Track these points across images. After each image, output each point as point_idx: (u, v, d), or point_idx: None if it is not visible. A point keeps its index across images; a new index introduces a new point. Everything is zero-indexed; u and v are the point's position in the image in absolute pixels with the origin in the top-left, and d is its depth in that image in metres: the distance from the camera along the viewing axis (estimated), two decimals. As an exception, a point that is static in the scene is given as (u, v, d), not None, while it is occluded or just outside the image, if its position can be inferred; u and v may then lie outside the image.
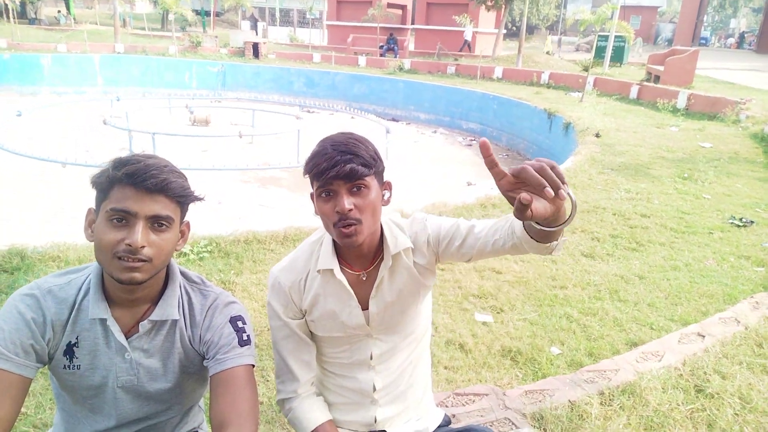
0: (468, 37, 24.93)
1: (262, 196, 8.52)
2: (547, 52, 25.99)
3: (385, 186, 1.36)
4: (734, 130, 10.04)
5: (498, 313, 3.41)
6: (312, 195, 1.34)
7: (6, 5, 23.47)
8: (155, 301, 1.29)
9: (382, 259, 1.40)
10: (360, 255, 1.38)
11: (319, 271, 1.38)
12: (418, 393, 1.58)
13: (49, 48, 19.14)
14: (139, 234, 1.14)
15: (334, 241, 1.38)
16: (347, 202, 1.23)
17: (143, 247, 1.15)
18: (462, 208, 5.24)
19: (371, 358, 1.47)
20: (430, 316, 1.58)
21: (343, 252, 1.39)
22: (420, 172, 10.45)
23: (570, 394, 2.36)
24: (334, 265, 1.37)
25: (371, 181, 1.27)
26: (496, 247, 1.28)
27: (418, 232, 1.40)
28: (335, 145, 1.25)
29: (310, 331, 1.47)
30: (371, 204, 1.27)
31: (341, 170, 1.22)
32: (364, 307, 1.41)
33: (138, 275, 1.16)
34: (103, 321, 1.24)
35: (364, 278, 1.40)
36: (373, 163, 1.27)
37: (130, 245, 1.13)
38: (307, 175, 1.31)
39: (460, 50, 24.24)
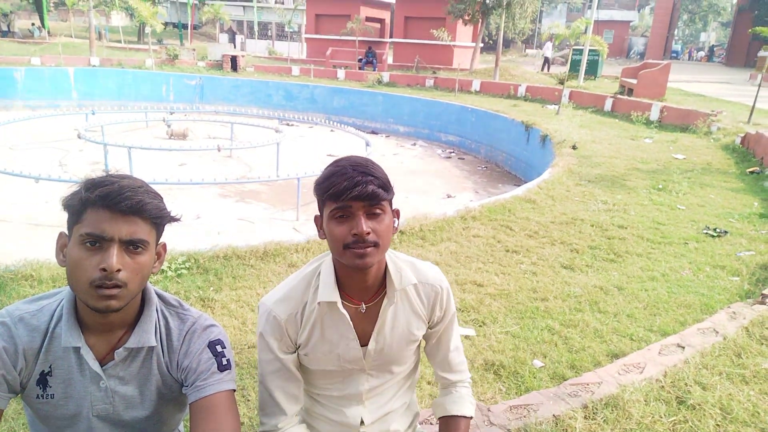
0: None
1: (242, 210, 8.44)
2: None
3: (395, 213, 1.33)
4: (706, 142, 10.28)
5: (480, 326, 3.41)
6: (317, 218, 1.30)
7: (-23, 18, 23.09)
8: (131, 326, 1.25)
9: (385, 294, 1.37)
10: (363, 286, 1.34)
11: (319, 303, 1.33)
12: (404, 425, 1.58)
13: (22, 61, 18.80)
14: (114, 258, 1.11)
15: (335, 271, 1.34)
16: (365, 225, 1.20)
17: (119, 270, 1.12)
18: (443, 221, 5.25)
19: (362, 393, 1.46)
20: (419, 355, 1.59)
21: (344, 283, 1.34)
22: (400, 185, 10.43)
23: (554, 408, 2.35)
24: (337, 297, 1.32)
25: (386, 206, 1.26)
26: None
27: (439, 295, 1.44)
28: (354, 166, 1.22)
29: (301, 364, 1.43)
30: (386, 229, 1.25)
31: (363, 191, 1.18)
32: (362, 342, 1.38)
33: (114, 302, 1.13)
34: (77, 349, 1.20)
35: (363, 311, 1.37)
36: (390, 188, 1.25)
37: (105, 270, 1.10)
38: (317, 196, 1.27)
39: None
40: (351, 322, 1.35)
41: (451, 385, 1.54)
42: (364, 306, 1.36)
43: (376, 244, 1.22)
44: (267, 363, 1.37)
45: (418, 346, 1.54)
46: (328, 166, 1.27)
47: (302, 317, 1.35)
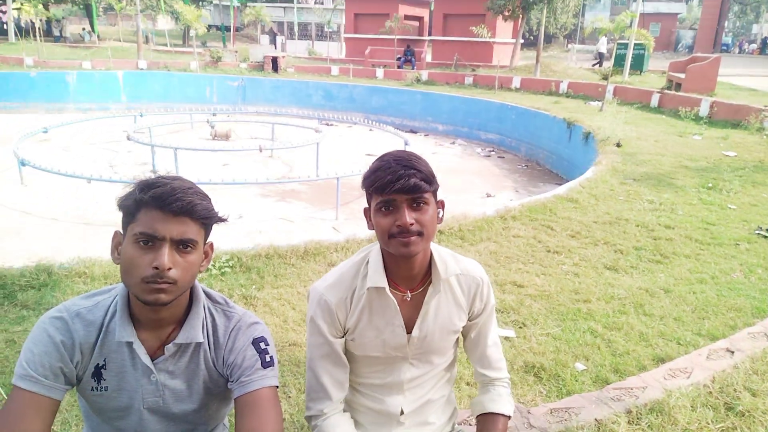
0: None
1: (282, 209, 8.58)
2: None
3: (440, 204, 1.39)
4: (758, 138, 9.87)
5: (520, 327, 3.38)
6: (366, 210, 1.37)
7: (32, 23, 24.13)
8: (180, 323, 1.31)
9: (430, 282, 1.42)
10: (409, 275, 1.40)
11: (368, 289, 1.39)
12: (443, 420, 1.60)
13: (74, 65, 19.59)
14: (166, 257, 1.17)
15: (383, 259, 1.40)
16: (409, 217, 1.26)
17: (170, 269, 1.17)
18: (482, 220, 5.22)
19: (403, 382, 1.49)
20: (457, 350, 1.62)
21: (391, 271, 1.40)
22: (439, 183, 10.42)
23: (596, 412, 2.32)
24: (385, 282, 1.38)
25: (430, 197, 1.31)
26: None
27: (479, 287, 1.48)
28: (398, 160, 1.28)
29: (347, 351, 1.48)
30: (430, 220, 1.30)
31: (405, 184, 1.25)
32: (407, 329, 1.44)
33: (163, 296, 1.18)
34: (129, 344, 1.26)
35: (408, 299, 1.42)
36: (433, 180, 1.31)
37: (157, 268, 1.16)
38: (365, 190, 1.34)
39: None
40: (398, 308, 1.40)
41: (489, 383, 1.57)
42: (409, 294, 1.42)
43: (420, 233, 1.28)
44: (316, 347, 1.43)
45: (457, 341, 1.57)
46: (374, 161, 1.33)
47: (351, 302, 1.42)
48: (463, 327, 1.53)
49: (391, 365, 1.48)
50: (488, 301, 1.51)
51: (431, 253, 1.41)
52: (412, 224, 1.26)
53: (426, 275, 1.42)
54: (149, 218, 1.18)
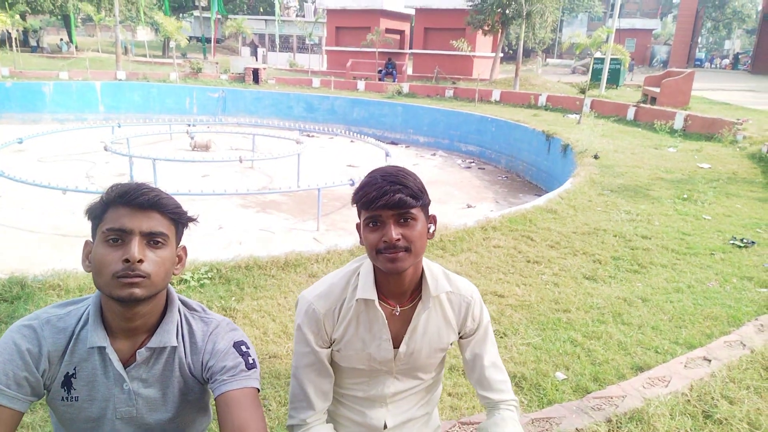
0: None
1: (263, 220, 8.52)
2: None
3: (431, 219, 1.38)
4: (732, 151, 10.10)
5: (501, 337, 3.38)
6: (358, 225, 1.36)
7: (9, 34, 23.79)
8: (153, 330, 1.28)
9: (420, 299, 1.41)
10: (399, 290, 1.39)
11: (357, 300, 1.38)
12: None
13: (51, 75, 19.32)
14: (136, 248, 1.15)
15: (374, 272, 1.39)
16: (395, 232, 1.26)
17: (141, 261, 1.16)
18: (463, 231, 5.24)
19: (387, 396, 1.48)
20: (443, 369, 1.61)
21: (381, 285, 1.40)
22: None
23: (577, 422, 2.32)
24: (374, 295, 1.37)
25: (418, 213, 1.30)
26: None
27: (470, 306, 1.47)
28: (385, 176, 1.28)
29: (332, 361, 1.47)
30: (418, 234, 1.29)
31: (390, 199, 1.24)
32: (394, 344, 1.43)
33: (137, 290, 1.16)
34: (101, 349, 1.23)
35: (397, 313, 1.41)
36: (421, 196, 1.30)
37: (127, 260, 1.14)
38: (355, 205, 1.33)
39: None
40: (386, 321, 1.40)
41: (494, 407, 1.51)
42: (398, 308, 1.41)
43: (407, 249, 1.28)
44: (302, 356, 1.42)
45: (443, 359, 1.56)
46: (365, 176, 1.33)
47: (339, 313, 1.41)
48: (459, 346, 1.52)
49: (375, 378, 1.47)
50: (481, 320, 1.49)
51: (422, 269, 1.41)
52: (398, 240, 1.25)
53: (416, 291, 1.42)
54: (116, 215, 1.17)
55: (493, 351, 1.53)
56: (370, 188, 1.27)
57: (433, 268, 1.44)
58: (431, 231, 1.37)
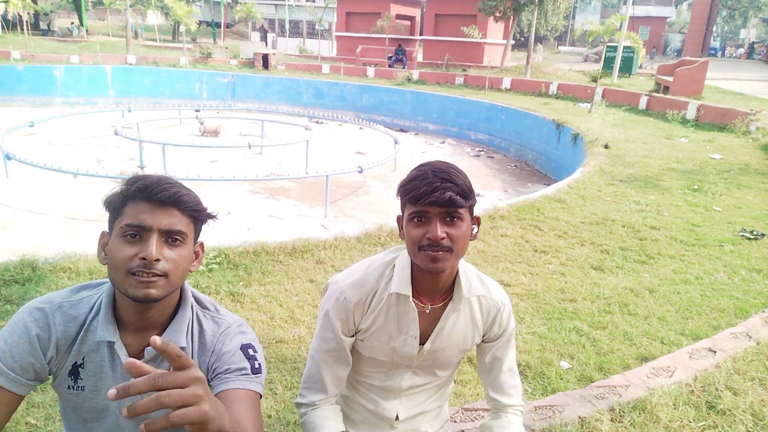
0: None
1: (271, 206, 8.55)
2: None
3: (475, 221, 1.34)
4: (744, 142, 9.99)
5: (507, 326, 3.39)
6: (399, 218, 1.34)
7: (20, 17, 23.86)
8: (165, 327, 1.26)
9: (452, 298, 1.40)
10: (434, 288, 1.37)
11: (390, 294, 1.36)
12: (434, 430, 1.61)
13: (61, 59, 19.40)
14: (154, 246, 1.12)
15: (411, 267, 1.37)
16: (440, 230, 1.23)
17: (158, 260, 1.12)
18: (470, 219, 5.23)
19: (402, 388, 1.49)
20: (459, 366, 1.62)
21: (416, 280, 1.37)
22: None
23: (580, 410, 2.34)
24: (409, 291, 1.35)
25: (465, 213, 1.27)
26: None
27: (500, 312, 1.46)
28: (436, 172, 1.24)
29: (354, 348, 1.47)
30: (462, 235, 1.26)
31: (440, 197, 1.21)
32: (420, 341, 1.41)
33: (153, 291, 1.13)
34: (110, 344, 1.22)
35: (428, 311, 1.40)
36: (470, 195, 1.26)
37: (144, 258, 1.11)
38: (399, 198, 1.31)
39: None
40: (417, 318, 1.38)
41: (501, 409, 1.51)
42: (428, 306, 1.39)
43: (450, 249, 1.24)
44: (325, 341, 1.41)
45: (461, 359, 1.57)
46: (412, 169, 1.30)
47: (370, 304, 1.39)
48: (477, 348, 1.51)
49: (394, 370, 1.47)
50: (507, 327, 1.48)
51: (457, 270, 1.38)
52: (443, 238, 1.22)
53: (449, 290, 1.40)
54: (136, 210, 1.14)
55: (512, 356, 1.52)
56: (420, 183, 1.23)
57: (467, 270, 1.41)
58: (474, 233, 1.33)
